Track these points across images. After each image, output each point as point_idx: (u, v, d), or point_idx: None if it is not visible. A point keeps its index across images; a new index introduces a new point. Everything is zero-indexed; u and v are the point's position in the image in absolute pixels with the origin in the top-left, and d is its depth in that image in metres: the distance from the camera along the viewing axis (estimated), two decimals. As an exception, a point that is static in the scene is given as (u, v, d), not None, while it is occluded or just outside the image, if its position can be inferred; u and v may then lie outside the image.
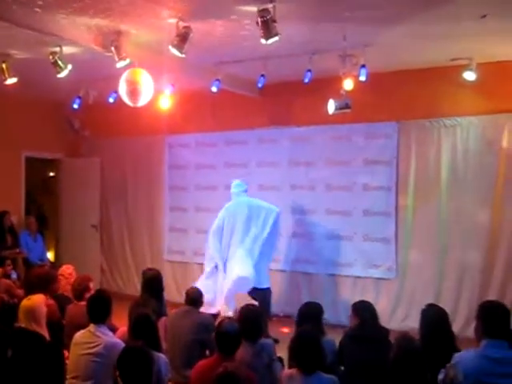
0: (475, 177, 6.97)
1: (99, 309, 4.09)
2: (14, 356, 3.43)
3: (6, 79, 6.38)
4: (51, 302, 4.91)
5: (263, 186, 8.30)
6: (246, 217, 6.94)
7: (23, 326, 4.13)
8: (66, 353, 4.16)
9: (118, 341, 3.94)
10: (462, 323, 6.72)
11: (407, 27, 5.54)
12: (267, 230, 6.93)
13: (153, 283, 5.39)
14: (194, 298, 5.05)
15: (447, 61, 6.72)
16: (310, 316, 4.38)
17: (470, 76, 6.62)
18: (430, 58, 6.70)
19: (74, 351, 3.95)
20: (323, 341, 3.88)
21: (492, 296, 6.38)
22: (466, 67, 6.61)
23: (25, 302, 4.28)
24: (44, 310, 4.31)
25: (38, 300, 4.35)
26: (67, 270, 5.91)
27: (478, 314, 3.52)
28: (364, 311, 4.41)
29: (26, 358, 3.56)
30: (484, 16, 5.13)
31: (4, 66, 6.30)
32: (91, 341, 3.91)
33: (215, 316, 5.93)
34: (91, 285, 5.20)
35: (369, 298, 5.66)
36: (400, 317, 7.25)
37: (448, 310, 4.47)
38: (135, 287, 8.79)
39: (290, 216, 8.13)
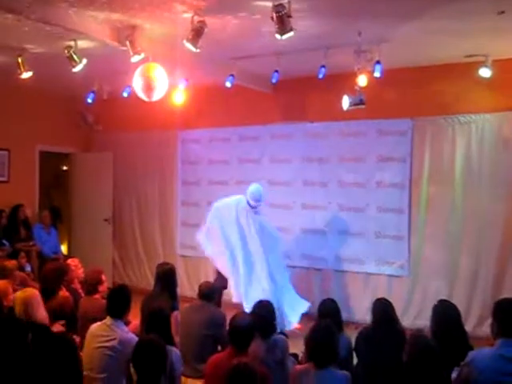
0: (490, 174, 6.92)
1: (119, 304, 4.11)
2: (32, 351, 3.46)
3: (21, 73, 6.41)
4: (67, 293, 4.95)
5: (276, 182, 8.29)
6: None
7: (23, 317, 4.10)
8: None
9: (133, 336, 3.96)
10: (476, 321, 6.72)
11: (422, 23, 5.49)
12: None
13: (167, 277, 5.38)
14: (207, 293, 5.04)
15: (462, 57, 6.66)
16: (329, 312, 4.38)
17: (485, 73, 6.55)
18: (446, 54, 6.65)
19: (89, 343, 3.98)
20: (340, 337, 3.85)
21: (506, 294, 6.32)
22: (481, 64, 6.55)
23: (20, 295, 4.28)
24: (39, 298, 4.31)
25: (31, 290, 4.39)
26: (73, 262, 5.95)
27: (493, 313, 3.48)
28: (379, 311, 4.37)
29: (42, 352, 3.58)
30: (502, 12, 5.06)
31: (20, 60, 6.34)
32: (106, 334, 3.93)
33: None
34: (103, 277, 5.24)
35: (381, 295, 5.63)
36: (412, 314, 7.21)
37: (461, 307, 4.44)
38: (147, 281, 8.84)
39: (302, 212, 8.12)
